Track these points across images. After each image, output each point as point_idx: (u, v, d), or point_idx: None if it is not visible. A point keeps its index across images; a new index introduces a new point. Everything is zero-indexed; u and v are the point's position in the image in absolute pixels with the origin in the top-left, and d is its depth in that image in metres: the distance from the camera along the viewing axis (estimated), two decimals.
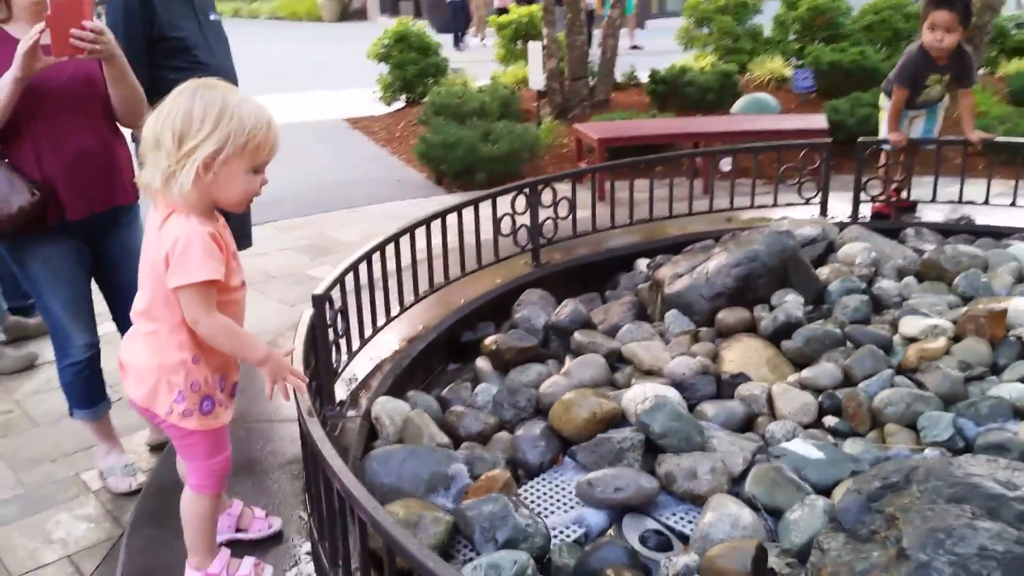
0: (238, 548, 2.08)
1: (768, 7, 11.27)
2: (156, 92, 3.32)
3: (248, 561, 1.96)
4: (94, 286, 3.11)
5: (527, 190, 3.65)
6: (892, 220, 4.23)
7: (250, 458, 2.49)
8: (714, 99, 8.87)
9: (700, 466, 2.21)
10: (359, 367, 2.92)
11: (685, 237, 4.02)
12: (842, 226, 3.96)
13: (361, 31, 10.64)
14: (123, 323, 3.23)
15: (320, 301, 2.58)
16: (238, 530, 2.12)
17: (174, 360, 1.82)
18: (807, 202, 4.27)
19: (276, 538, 2.13)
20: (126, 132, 3.02)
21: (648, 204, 4.04)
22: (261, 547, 2.10)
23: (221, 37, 3.66)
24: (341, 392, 2.77)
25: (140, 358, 1.85)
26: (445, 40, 18.51)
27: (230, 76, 3.65)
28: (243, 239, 4.05)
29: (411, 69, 10.30)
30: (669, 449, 2.28)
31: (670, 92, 9.12)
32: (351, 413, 2.67)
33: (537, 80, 8.76)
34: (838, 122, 7.30)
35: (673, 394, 2.43)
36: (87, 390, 3.11)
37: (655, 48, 13.74)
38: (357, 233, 6.14)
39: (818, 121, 7.15)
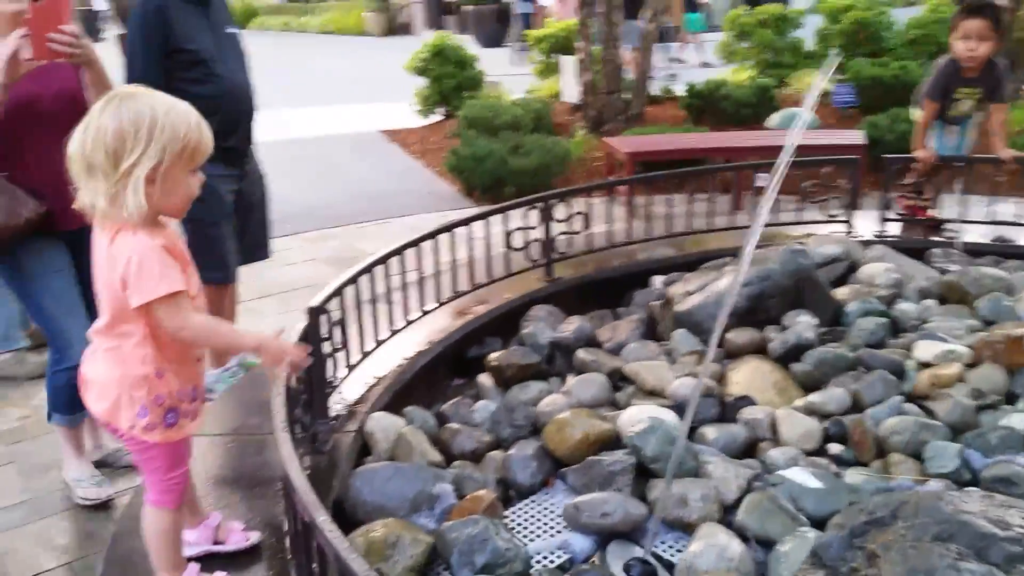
0: (214, 561, 2.05)
1: (810, 20, 11.13)
2: None
3: None
4: None
5: (540, 204, 3.60)
6: (921, 219, 4.09)
7: (240, 472, 2.46)
8: (751, 113, 8.77)
9: (691, 493, 2.13)
10: (360, 381, 2.89)
11: (703, 254, 3.93)
12: (867, 244, 3.85)
13: (405, 45, 10.70)
14: None
15: (315, 313, 2.55)
16: (215, 543, 2.09)
17: (137, 374, 1.79)
18: (833, 220, 4.15)
19: (253, 552, 2.10)
20: None
21: (667, 219, 3.97)
22: (237, 561, 2.07)
23: (237, 50, 3.68)
24: (340, 406, 2.75)
25: (101, 374, 1.83)
26: (489, 54, 18.59)
27: (245, 88, 3.67)
28: (261, 250, 4.08)
29: (448, 82, 10.34)
30: (661, 474, 2.21)
31: (706, 106, 9.03)
32: (347, 427, 2.64)
33: (571, 93, 8.73)
34: (877, 138, 7.14)
35: (669, 417, 2.36)
36: (74, 397, 3.12)
37: (697, 61, 13.68)
38: (383, 245, 6.14)
39: (855, 137, 7.01)
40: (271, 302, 5.31)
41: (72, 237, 2.94)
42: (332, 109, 12.82)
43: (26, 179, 2.82)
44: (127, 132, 1.69)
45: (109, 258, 1.76)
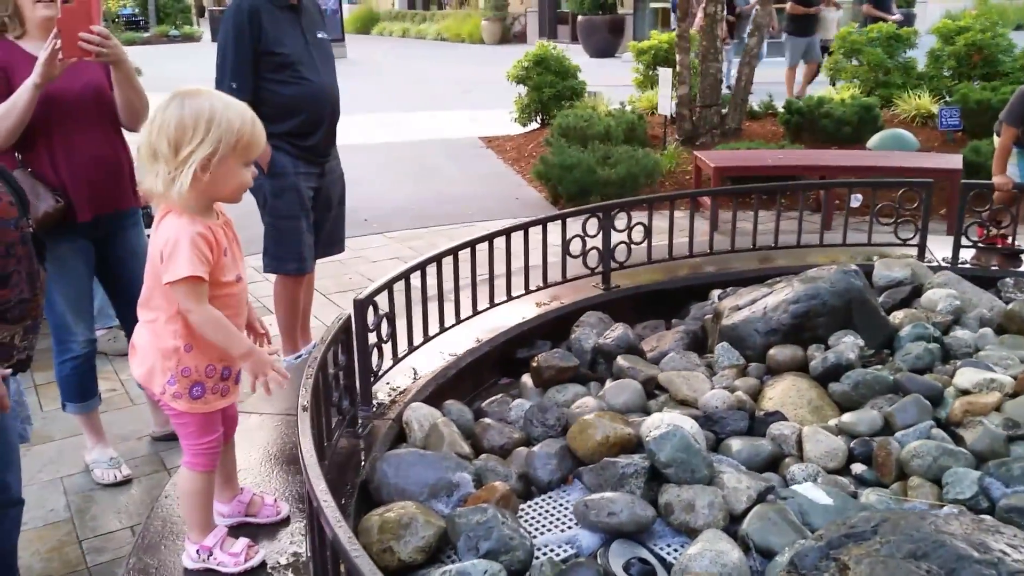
0: (246, 531, 2.21)
1: (924, 41, 10.81)
2: (259, 102, 3.60)
3: (242, 541, 2.08)
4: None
5: (600, 213, 3.67)
6: (999, 247, 3.97)
7: (282, 449, 2.62)
8: (851, 133, 8.58)
9: (699, 499, 2.18)
10: (408, 373, 3.02)
11: (765, 271, 3.92)
12: (936, 270, 3.77)
13: (518, 53, 10.87)
14: (124, 318, 3.48)
15: (362, 305, 2.70)
16: (247, 515, 2.25)
17: (168, 347, 1.97)
18: (904, 243, 4.08)
19: (282, 524, 2.25)
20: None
21: (742, 235, 3.98)
22: (265, 530, 2.22)
23: (327, 54, 3.88)
24: (385, 395, 2.89)
25: (142, 342, 2.02)
26: (599, 64, 18.60)
27: (331, 91, 3.87)
28: (337, 245, 4.27)
29: (547, 91, 10.46)
30: (673, 480, 2.26)
31: (805, 124, 8.88)
32: (388, 415, 2.78)
33: (665, 106, 8.73)
34: (978, 163, 6.91)
35: (689, 424, 2.40)
36: (82, 385, 3.35)
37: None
38: None
39: (954, 161, 6.80)
40: (351, 296, 5.53)
41: (92, 230, 3.15)
42: (437, 114, 13.14)
43: (50, 172, 2.99)
44: (188, 124, 1.87)
45: (154, 236, 1.95)
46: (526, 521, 2.29)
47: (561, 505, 2.36)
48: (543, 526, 2.28)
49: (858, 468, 2.43)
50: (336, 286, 5.71)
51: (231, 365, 2.06)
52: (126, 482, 3.45)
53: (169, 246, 1.88)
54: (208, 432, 2.04)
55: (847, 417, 2.62)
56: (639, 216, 3.78)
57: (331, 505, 1.60)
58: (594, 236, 3.68)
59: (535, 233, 3.49)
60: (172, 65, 16.89)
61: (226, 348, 1.97)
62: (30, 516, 3.21)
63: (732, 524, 2.17)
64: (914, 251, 4.08)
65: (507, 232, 3.40)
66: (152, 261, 1.95)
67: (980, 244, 4.06)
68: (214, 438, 2.06)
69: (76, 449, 3.64)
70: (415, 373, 3.02)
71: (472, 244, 3.26)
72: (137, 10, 31.67)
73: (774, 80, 12.09)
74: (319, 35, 3.89)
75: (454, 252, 3.18)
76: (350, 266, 6.07)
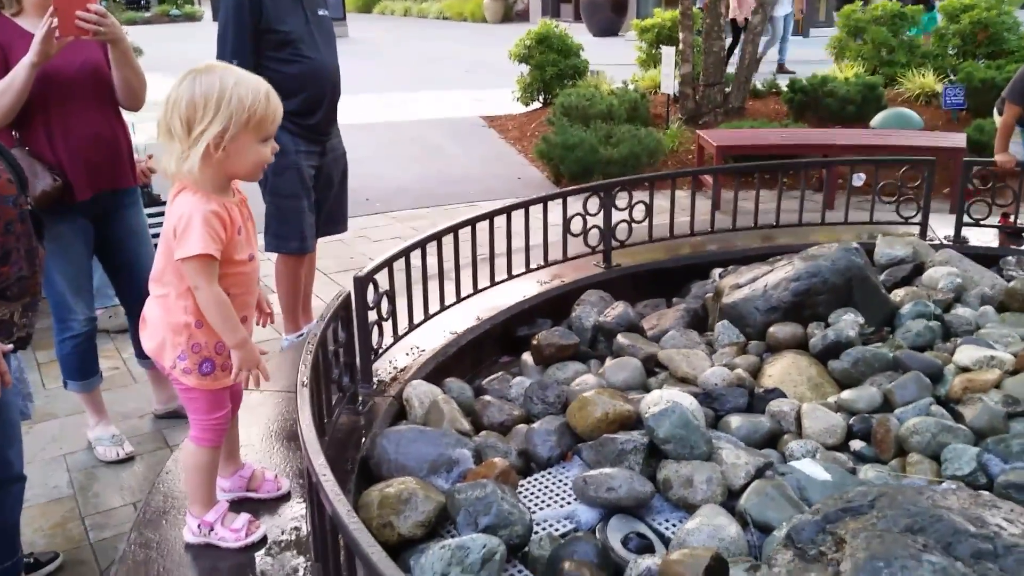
0: (247, 506, 2.22)
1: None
2: None
3: (243, 516, 2.09)
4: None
5: (601, 192, 3.67)
6: (1000, 225, 3.96)
7: (283, 426, 2.63)
8: (855, 111, 8.54)
9: (697, 475, 2.18)
10: (408, 351, 3.03)
11: (767, 249, 3.92)
12: (938, 248, 3.77)
13: (521, 32, 10.81)
14: (124, 297, 3.48)
15: (361, 282, 2.71)
16: (248, 490, 2.26)
17: (179, 322, 1.97)
18: (906, 221, 4.07)
19: (283, 499, 2.26)
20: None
21: (745, 214, 3.97)
22: (266, 505, 2.23)
23: (328, 32, 3.85)
24: (387, 372, 2.89)
25: (153, 316, 2.02)
26: (602, 43, 18.49)
27: (332, 70, 3.85)
28: (339, 224, 4.27)
29: (550, 70, 10.40)
30: (672, 455, 2.26)
31: (809, 102, 8.84)
32: (388, 392, 2.79)
33: (668, 85, 8.69)
34: (983, 142, 6.88)
35: (688, 401, 2.40)
36: (83, 363, 3.36)
37: (814, 57, 13.33)
38: None
39: (958, 140, 6.77)
40: (347, 275, 5.54)
41: (91, 209, 3.15)
42: (439, 94, 13.08)
43: (47, 151, 2.99)
44: (199, 101, 1.86)
45: (168, 212, 1.95)
46: (525, 497, 2.30)
47: (560, 481, 2.37)
48: (542, 501, 2.29)
49: (857, 445, 2.44)
50: (338, 265, 5.71)
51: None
52: (128, 459, 3.47)
53: (182, 223, 1.88)
54: (218, 408, 2.06)
55: (846, 394, 2.62)
56: (640, 195, 3.77)
57: (330, 479, 1.61)
58: (595, 215, 3.68)
59: (536, 212, 3.49)
60: (173, 45, 16.81)
61: (221, 333, 1.96)
62: (33, 493, 3.23)
63: (730, 500, 2.18)
64: (916, 229, 4.07)
65: (507, 211, 3.39)
66: (165, 237, 1.94)
67: (1008, 230, 4.03)
68: (223, 414, 2.07)
69: (79, 427, 3.65)
70: (416, 351, 3.03)
71: (472, 222, 3.26)
72: None
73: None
74: (320, 13, 3.87)
75: (454, 230, 3.18)
76: (353, 246, 6.07)
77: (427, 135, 9.99)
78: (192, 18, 29.70)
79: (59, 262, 3.13)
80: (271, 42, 3.64)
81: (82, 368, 3.39)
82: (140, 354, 3.59)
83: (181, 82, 1.88)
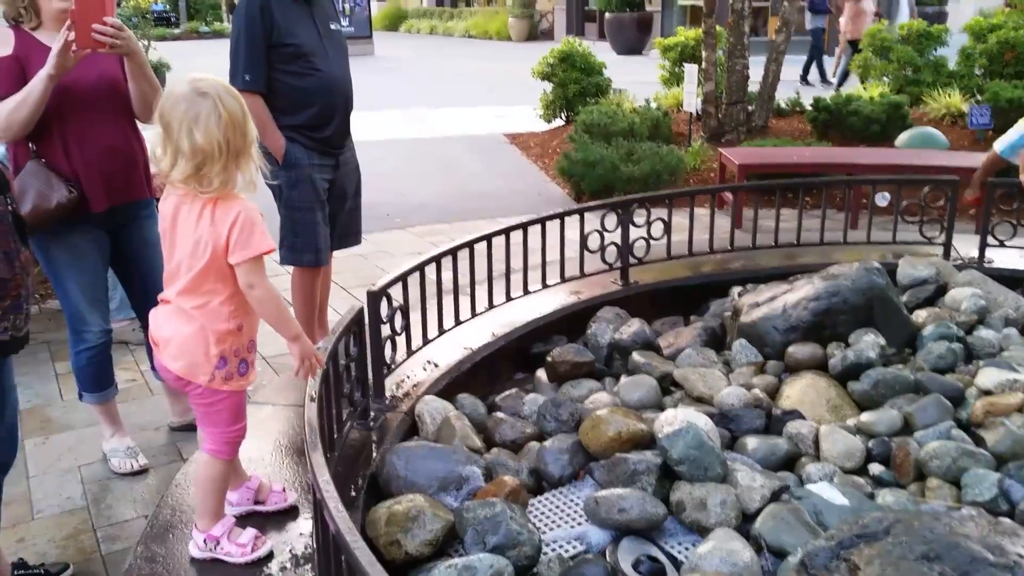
0: (254, 520, 2.20)
1: (956, 39, 10.64)
2: (273, 94, 3.60)
3: (249, 532, 2.07)
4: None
5: (619, 208, 3.64)
6: None
7: (292, 439, 2.61)
8: (879, 131, 8.45)
9: (711, 497, 2.14)
10: (421, 366, 3.01)
11: (787, 268, 3.87)
12: (962, 268, 3.70)
13: (545, 51, 10.83)
14: (139, 308, 3.48)
15: (375, 297, 2.69)
16: (256, 503, 2.24)
17: (222, 328, 2.01)
18: (930, 242, 4.01)
19: (290, 512, 2.24)
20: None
21: (766, 232, 3.94)
22: (273, 519, 2.22)
23: (340, 46, 3.86)
24: (400, 387, 2.87)
25: (182, 331, 2.02)
26: (626, 61, 18.50)
27: (344, 82, 3.85)
28: (353, 237, 4.26)
29: (573, 87, 10.40)
30: (685, 477, 2.22)
31: (833, 121, 8.76)
32: (401, 408, 2.76)
33: (691, 102, 8.66)
34: (1008, 163, 6.77)
35: (703, 421, 2.36)
36: (98, 374, 3.35)
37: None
38: None
39: (981, 160, 6.67)
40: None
41: (107, 220, 3.15)
42: (462, 111, 13.12)
43: (63, 163, 2.99)
44: (226, 122, 1.95)
45: (210, 223, 1.97)
46: (536, 516, 2.27)
47: (572, 501, 2.34)
48: (552, 522, 2.26)
49: (876, 468, 2.39)
50: (356, 280, 5.70)
51: (253, 337, 2.11)
52: (143, 472, 3.46)
53: (240, 226, 1.94)
54: (240, 417, 2.09)
55: (866, 416, 2.58)
56: (659, 212, 3.74)
57: (333, 496, 1.59)
58: (613, 231, 3.65)
59: (553, 228, 3.47)
60: (202, 60, 17.01)
61: (278, 326, 2.03)
62: (46, 504, 3.24)
63: (745, 523, 2.14)
64: (939, 250, 4.01)
65: (524, 226, 3.38)
66: (206, 247, 1.97)
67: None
68: (244, 424, 2.11)
69: (95, 438, 3.65)
70: (430, 366, 3.01)
71: (488, 237, 3.24)
72: (168, 6, 31.95)
73: None
74: (332, 27, 3.87)
75: (470, 245, 3.17)
76: (371, 260, 6.07)
77: (449, 151, 10.01)
78: (221, 35, 30.05)
79: (74, 274, 3.14)
80: (283, 56, 3.64)
81: (97, 380, 3.39)
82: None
83: (200, 105, 1.92)
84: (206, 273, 2.00)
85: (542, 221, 3.46)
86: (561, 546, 2.16)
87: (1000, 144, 4.15)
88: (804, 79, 14.54)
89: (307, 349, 2.09)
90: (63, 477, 3.44)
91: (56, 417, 3.91)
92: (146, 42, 13.06)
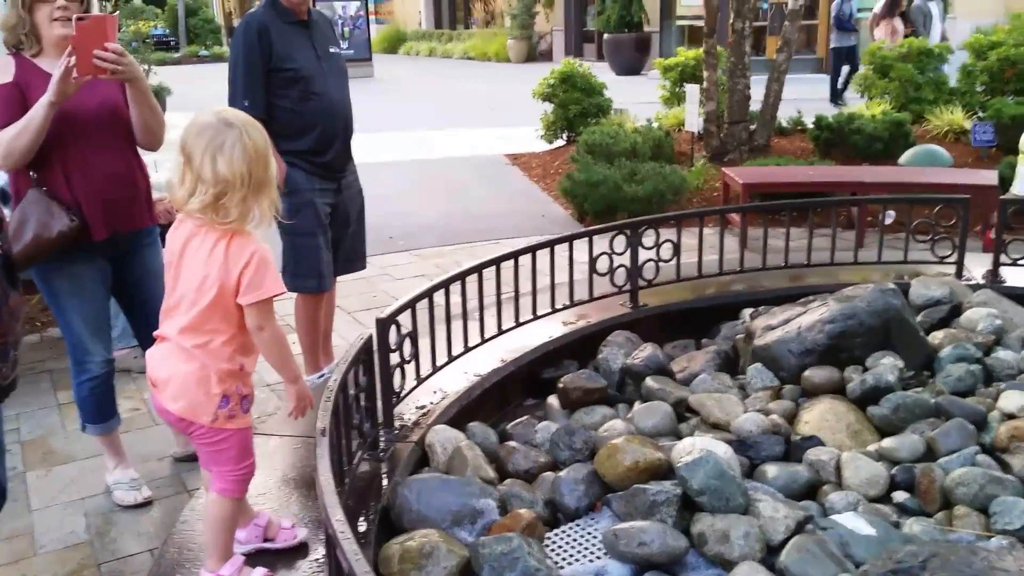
0: (259, 558, 2.14)
1: (956, 57, 10.66)
2: (272, 119, 3.56)
3: (259, 572, 2.02)
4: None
5: (627, 230, 3.60)
6: None
7: (302, 473, 2.55)
8: (882, 149, 8.43)
9: (734, 529, 2.08)
10: (430, 394, 2.95)
11: (799, 289, 3.81)
12: (976, 289, 3.65)
13: (545, 71, 10.84)
14: (141, 337, 3.42)
15: (384, 324, 2.64)
16: (265, 540, 2.18)
17: (223, 368, 1.97)
18: (941, 261, 3.97)
19: (300, 549, 2.18)
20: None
21: (775, 253, 3.89)
22: (283, 557, 2.16)
23: (339, 70, 3.83)
24: (408, 417, 2.81)
25: (182, 370, 1.97)
26: (626, 81, 18.53)
27: (343, 106, 3.83)
28: (356, 261, 4.22)
29: (573, 108, 10.39)
30: (706, 508, 2.17)
31: (835, 140, 8.75)
32: (411, 438, 2.71)
33: (692, 122, 8.65)
34: (1013, 179, 6.75)
35: (723, 450, 2.30)
36: (101, 405, 3.30)
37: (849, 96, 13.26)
38: None
39: (989, 177, 6.65)
40: (375, 314, 5.49)
41: (109, 249, 3.11)
42: (463, 132, 13.12)
43: (64, 191, 2.95)
44: (250, 154, 1.94)
45: (223, 260, 1.94)
46: (552, 551, 2.21)
47: (589, 533, 2.28)
48: (571, 555, 2.20)
49: (900, 496, 2.32)
50: (361, 304, 5.66)
51: (250, 373, 2.06)
52: (147, 504, 3.40)
53: (254, 267, 1.91)
54: (248, 454, 2.05)
55: (888, 442, 2.52)
56: (667, 233, 3.69)
57: (348, 536, 1.53)
58: (621, 254, 3.61)
59: (562, 251, 3.43)
60: (202, 84, 17.03)
61: (281, 369, 2.02)
62: (49, 538, 3.17)
63: (769, 555, 2.08)
64: (951, 269, 3.96)
65: (532, 250, 3.33)
66: (214, 285, 1.93)
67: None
68: (252, 461, 2.06)
69: (97, 470, 3.59)
70: (439, 394, 2.95)
71: (497, 262, 3.19)
72: (168, 31, 32.09)
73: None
74: (331, 50, 3.84)
75: (478, 270, 3.12)
76: (375, 284, 6.03)
77: (451, 173, 9.99)
78: (220, 58, 30.16)
79: (76, 303, 3.10)
80: (282, 80, 3.62)
81: (100, 411, 3.34)
82: None
83: (224, 136, 1.90)
84: (211, 311, 1.96)
85: (551, 244, 3.41)
86: None
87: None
88: (839, 97, 14.07)
89: (304, 392, 2.09)
90: (66, 510, 3.38)
91: (58, 448, 3.85)
92: (146, 66, 13.18)
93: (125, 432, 3.89)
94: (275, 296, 1.96)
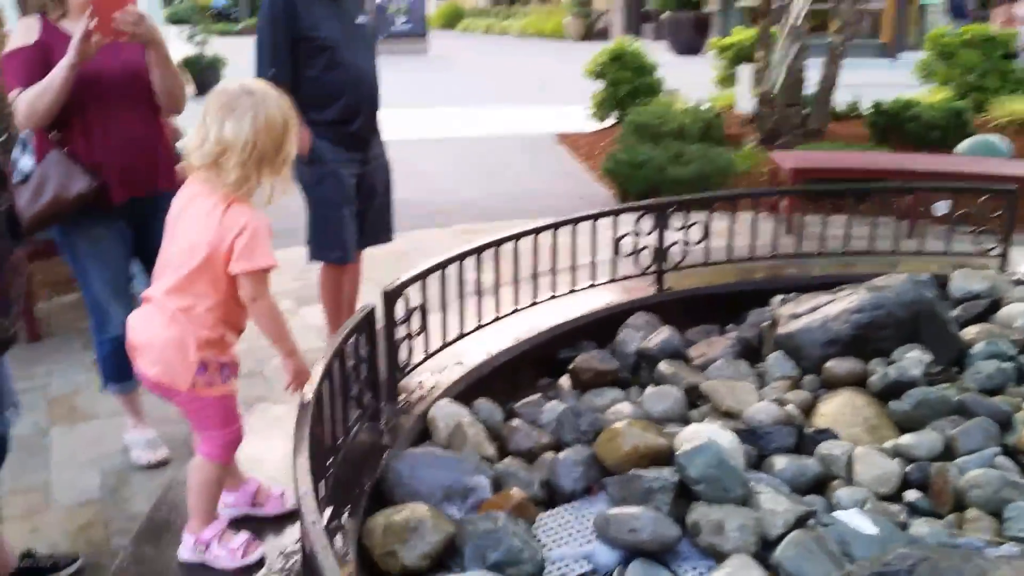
0: (251, 523, 2.13)
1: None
2: (298, 88, 3.53)
3: (242, 536, 2.00)
4: None
5: (655, 211, 3.50)
6: None
7: None
8: (939, 137, 8.14)
9: (729, 520, 2.01)
10: (441, 369, 2.91)
11: (833, 278, 3.68)
12: (1018, 284, 3.50)
13: (599, 50, 10.72)
14: None
15: (391, 296, 2.60)
16: (254, 505, 2.17)
17: (205, 336, 1.95)
18: (985, 253, 3.80)
19: (288, 516, 2.16)
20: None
21: (816, 240, 3.77)
22: (274, 526, 2.14)
23: (366, 40, 3.78)
24: (415, 391, 2.78)
25: (160, 336, 1.95)
26: (684, 61, 18.23)
27: (370, 76, 3.78)
28: (382, 234, 4.18)
29: (624, 87, 10.24)
30: (703, 497, 2.09)
31: (891, 126, 8.48)
32: (414, 411, 2.67)
33: (744, 103, 8.45)
34: None
35: (728, 438, 2.22)
36: (121, 364, 3.29)
37: (900, 81, 12.87)
38: None
39: None
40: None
41: (130, 212, 3.12)
42: (514, 110, 13.03)
43: (85, 152, 2.97)
44: (278, 123, 1.94)
45: (218, 225, 1.91)
46: (544, 532, 2.15)
47: (582, 517, 2.22)
48: (560, 538, 2.14)
49: (912, 495, 2.23)
50: (390, 278, 5.63)
51: (234, 344, 2.02)
52: (163, 464, 3.43)
53: (246, 236, 1.89)
54: (233, 419, 2.02)
55: (905, 439, 2.41)
56: (699, 216, 3.59)
57: (311, 508, 1.50)
58: (648, 235, 3.52)
59: (587, 230, 3.35)
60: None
61: (277, 342, 2.00)
62: (63, 494, 3.22)
63: (765, 550, 2.00)
64: (996, 262, 3.80)
65: (554, 227, 3.27)
66: (205, 248, 1.91)
67: None
68: (239, 426, 2.04)
69: (118, 429, 3.63)
70: (447, 369, 2.91)
71: (515, 238, 3.13)
72: (230, 3, 32.48)
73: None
74: (358, 20, 3.79)
75: (496, 245, 3.06)
76: (408, 259, 6.00)
77: (498, 151, 9.93)
78: None
79: (97, 265, 3.12)
80: (308, 49, 3.58)
81: (120, 371, 3.36)
82: None
83: (247, 103, 1.89)
84: (199, 274, 1.94)
85: (574, 222, 3.34)
86: (567, 564, 2.04)
87: None
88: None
89: (301, 367, 2.06)
90: (83, 467, 3.42)
91: (83, 406, 3.91)
92: (201, 36, 13.29)
93: (146, 392, 3.93)
94: (266, 268, 1.93)
